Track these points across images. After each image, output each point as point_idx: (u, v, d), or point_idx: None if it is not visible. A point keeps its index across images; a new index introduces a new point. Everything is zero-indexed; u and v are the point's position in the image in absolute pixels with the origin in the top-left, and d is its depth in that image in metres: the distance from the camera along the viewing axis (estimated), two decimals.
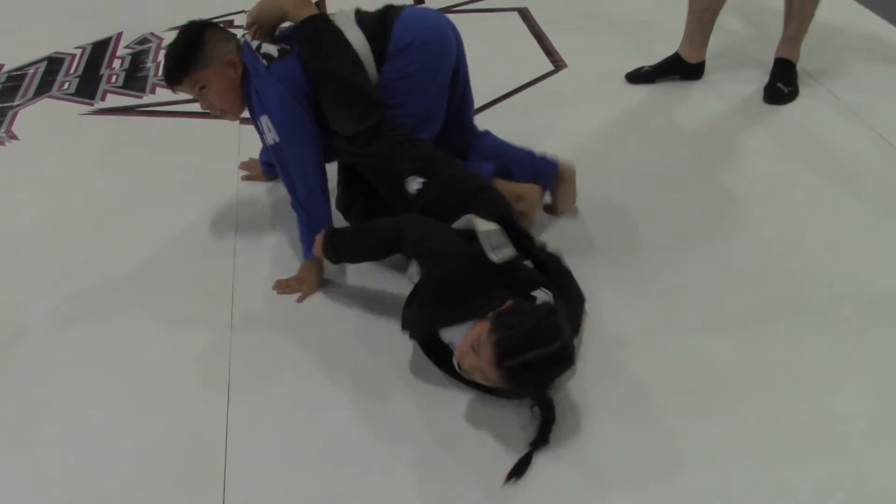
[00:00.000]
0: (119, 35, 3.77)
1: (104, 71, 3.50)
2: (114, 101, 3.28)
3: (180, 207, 2.64)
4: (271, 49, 2.19)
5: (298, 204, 2.22)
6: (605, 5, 3.68)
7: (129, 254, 2.46)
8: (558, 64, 3.26)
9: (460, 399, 1.89)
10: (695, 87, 3.06)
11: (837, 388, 1.87)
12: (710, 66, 3.10)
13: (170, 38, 3.62)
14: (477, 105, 2.98)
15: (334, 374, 1.99)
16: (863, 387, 1.87)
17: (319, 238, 2.13)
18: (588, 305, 2.08)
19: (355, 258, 2.20)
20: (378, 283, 2.26)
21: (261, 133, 2.22)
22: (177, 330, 2.17)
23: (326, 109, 2.18)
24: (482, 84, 3.07)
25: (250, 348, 2.09)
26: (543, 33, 3.48)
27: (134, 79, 3.42)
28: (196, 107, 3.08)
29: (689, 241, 2.34)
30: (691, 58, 3.08)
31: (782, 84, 2.93)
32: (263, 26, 2.23)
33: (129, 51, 3.64)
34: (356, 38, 2.19)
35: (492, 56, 3.32)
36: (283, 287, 2.28)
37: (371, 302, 2.20)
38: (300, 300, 2.24)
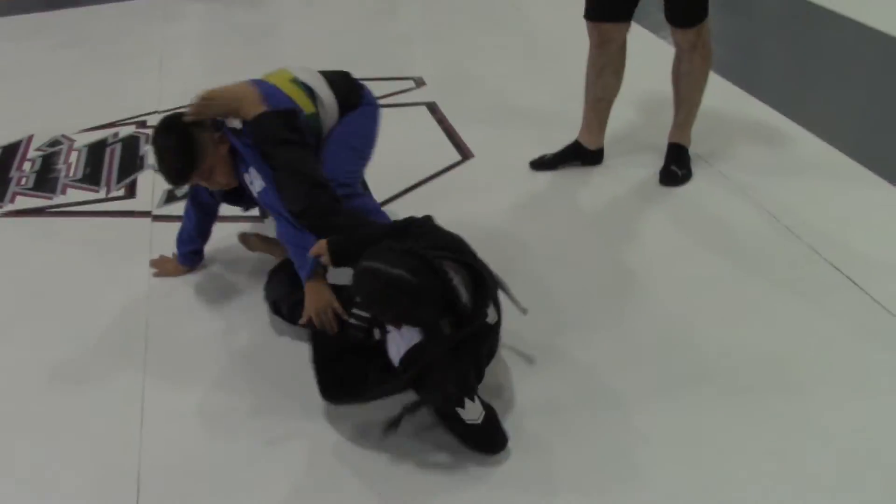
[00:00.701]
0: (30, 138, 3.77)
1: (13, 173, 3.48)
2: (23, 202, 3.26)
3: (91, 305, 2.62)
4: (235, 123, 2.35)
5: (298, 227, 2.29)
6: (509, 99, 3.84)
7: (33, 357, 2.42)
8: (466, 154, 3.38)
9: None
10: (595, 171, 3.20)
11: (739, 456, 1.94)
12: (608, 152, 3.26)
13: (82, 139, 3.67)
14: (388, 195, 3.10)
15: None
16: (762, 449, 1.95)
17: (322, 242, 2.16)
18: (491, 385, 2.14)
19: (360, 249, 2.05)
20: None
21: (244, 189, 2.42)
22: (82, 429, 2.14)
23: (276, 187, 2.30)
24: (392, 174, 3.20)
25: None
26: (451, 126, 3.61)
27: (45, 180, 3.41)
28: (108, 206, 3.10)
29: (593, 318, 2.42)
30: (590, 144, 3.23)
31: (676, 167, 3.10)
32: (207, 113, 2.34)
33: (40, 153, 3.64)
34: (321, 87, 2.50)
35: (403, 147, 3.43)
36: (316, 319, 2.23)
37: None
38: (335, 322, 2.22)
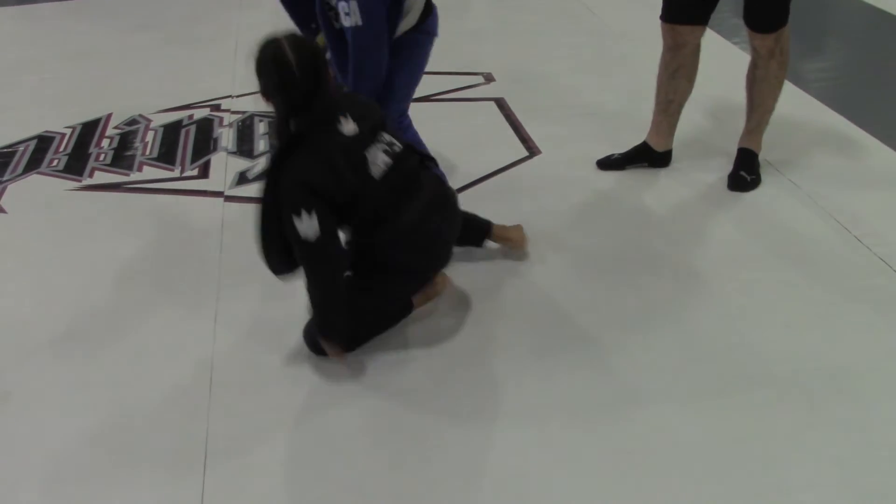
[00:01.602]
0: (109, 116, 3.89)
1: (93, 149, 3.60)
2: (101, 178, 3.37)
3: (163, 282, 2.71)
4: None
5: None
6: (578, 97, 3.85)
7: (110, 326, 2.51)
8: (533, 151, 3.40)
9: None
10: (662, 174, 3.20)
11: (796, 461, 1.94)
12: (676, 155, 3.25)
13: (158, 120, 3.77)
14: (456, 186, 3.12)
15: None
16: (820, 459, 1.94)
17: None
18: (559, 379, 2.17)
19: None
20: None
21: (330, 18, 2.54)
22: (156, 399, 2.22)
23: None
24: (461, 167, 3.24)
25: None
26: (519, 122, 3.63)
27: (122, 157, 3.52)
28: (181, 185, 3.19)
29: (655, 318, 2.43)
30: (659, 146, 3.23)
31: (745, 172, 3.08)
32: None
33: (118, 131, 3.76)
34: None
35: (470, 142, 3.48)
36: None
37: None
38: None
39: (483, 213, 2.89)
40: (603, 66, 4.20)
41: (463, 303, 2.53)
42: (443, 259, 2.40)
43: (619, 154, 3.26)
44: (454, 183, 3.14)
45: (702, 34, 3.01)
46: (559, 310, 2.48)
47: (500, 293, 2.57)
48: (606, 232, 2.86)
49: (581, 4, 5.10)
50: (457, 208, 2.41)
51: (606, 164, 3.26)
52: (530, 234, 2.77)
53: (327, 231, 2.08)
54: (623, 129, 3.43)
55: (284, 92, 2.06)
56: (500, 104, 3.81)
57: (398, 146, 2.26)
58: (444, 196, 2.37)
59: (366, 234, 2.22)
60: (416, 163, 2.33)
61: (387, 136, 2.24)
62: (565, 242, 2.80)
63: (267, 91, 2.10)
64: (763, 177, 3.10)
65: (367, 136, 2.18)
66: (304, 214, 2.04)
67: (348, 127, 2.12)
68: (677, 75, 3.08)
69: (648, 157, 3.24)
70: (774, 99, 3.06)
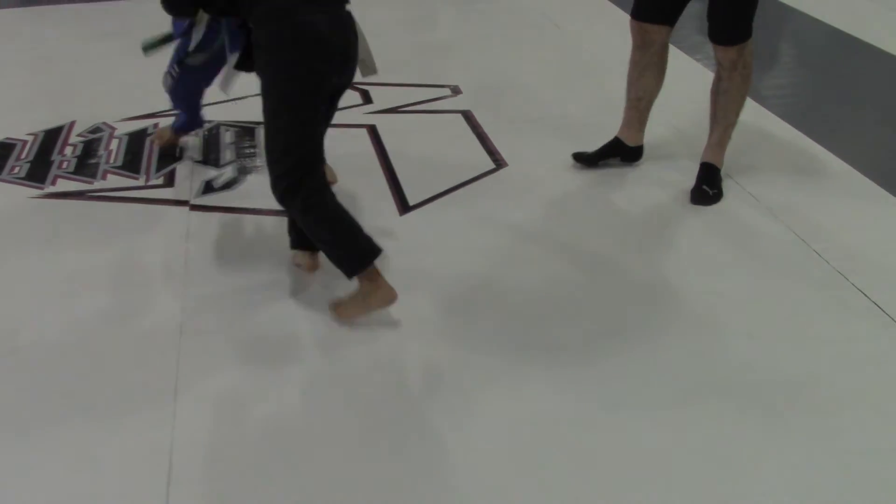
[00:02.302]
0: (72, 124, 3.85)
1: (56, 157, 3.56)
2: (64, 185, 3.34)
3: (127, 291, 2.69)
4: None
5: None
6: (544, 109, 3.88)
7: (70, 335, 2.48)
8: (499, 163, 3.42)
9: None
10: (627, 183, 3.24)
11: (758, 471, 1.97)
12: (641, 167, 3.31)
13: (123, 128, 3.73)
14: (422, 198, 3.14)
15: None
16: (781, 469, 1.98)
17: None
18: (524, 387, 2.19)
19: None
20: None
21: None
22: (117, 412, 2.20)
23: None
24: (427, 179, 3.26)
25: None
26: (486, 134, 3.66)
27: (85, 165, 3.49)
28: (146, 193, 3.16)
29: (618, 326, 2.46)
30: (630, 141, 3.35)
31: (707, 186, 3.13)
32: None
33: (82, 139, 3.72)
34: None
35: (437, 154, 3.50)
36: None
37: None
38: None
39: (448, 224, 2.93)
40: (568, 79, 4.25)
41: (430, 310, 2.54)
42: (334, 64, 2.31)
43: (593, 150, 3.36)
44: (423, 193, 3.17)
45: (668, 34, 3.12)
46: (524, 318, 2.50)
47: (468, 302, 2.59)
48: (570, 241, 2.89)
49: (547, 19, 5.16)
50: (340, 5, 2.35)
51: (581, 157, 3.37)
52: (496, 247, 2.79)
53: None
54: (589, 140, 3.46)
55: None
56: (467, 116, 3.84)
57: None
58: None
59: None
60: None
61: None
62: (529, 253, 2.83)
63: None
64: (724, 190, 3.15)
65: None
66: None
67: None
68: (646, 73, 3.20)
69: (621, 151, 3.36)
70: (737, 112, 3.13)
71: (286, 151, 2.32)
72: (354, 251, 2.42)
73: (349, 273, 2.43)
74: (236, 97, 3.40)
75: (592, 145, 3.38)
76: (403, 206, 3.12)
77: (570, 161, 3.37)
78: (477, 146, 3.57)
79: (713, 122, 3.16)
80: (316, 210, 2.39)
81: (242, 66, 2.43)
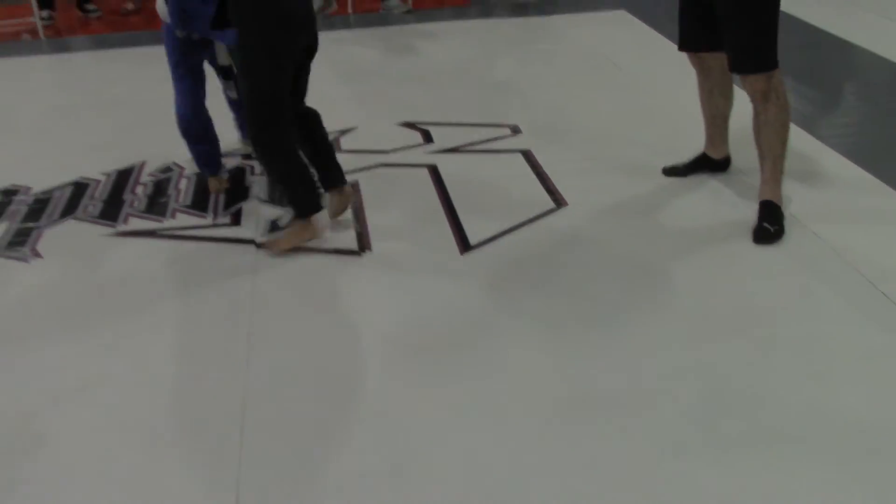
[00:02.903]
0: (143, 164, 3.97)
1: (127, 196, 3.68)
2: (135, 224, 3.44)
3: (194, 328, 2.76)
4: None
5: None
6: (604, 150, 3.89)
7: (141, 370, 2.55)
8: (559, 202, 3.44)
9: None
10: (690, 220, 3.22)
11: None
12: (701, 205, 3.33)
13: (191, 167, 3.83)
14: (483, 237, 3.17)
15: None
16: None
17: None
18: (590, 440, 2.18)
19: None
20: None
21: None
22: (184, 446, 2.25)
23: None
24: (487, 219, 3.28)
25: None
26: (545, 174, 3.68)
27: (155, 204, 3.60)
28: (214, 232, 3.25)
29: (679, 368, 2.44)
30: (715, 154, 3.52)
31: (768, 224, 3.10)
32: None
33: (152, 178, 3.84)
34: None
35: (497, 194, 3.53)
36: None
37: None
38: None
39: (509, 264, 2.95)
40: (628, 118, 4.25)
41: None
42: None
43: (683, 164, 3.55)
44: (482, 233, 3.20)
45: (723, 56, 3.12)
46: (580, 367, 2.50)
47: (530, 338, 2.60)
48: (630, 279, 2.89)
49: (607, 59, 5.18)
50: None
51: (671, 171, 3.55)
52: (557, 284, 2.80)
53: None
54: (649, 180, 3.47)
55: None
56: (527, 156, 3.87)
57: None
58: None
59: None
60: None
61: None
62: (591, 290, 2.83)
63: None
64: (787, 228, 3.12)
65: None
66: None
67: None
68: (713, 94, 3.35)
69: (708, 165, 3.53)
70: (782, 144, 3.11)
71: (262, 101, 2.92)
72: (311, 196, 3.09)
73: (302, 213, 3.09)
74: None
75: (652, 184, 3.40)
76: (465, 245, 3.15)
77: (629, 200, 3.38)
78: (537, 185, 3.60)
79: (761, 159, 3.16)
80: (284, 151, 3.02)
81: (218, 24, 3.04)
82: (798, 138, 3.72)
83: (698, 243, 3.11)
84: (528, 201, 3.45)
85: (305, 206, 3.10)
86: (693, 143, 3.61)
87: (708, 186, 3.46)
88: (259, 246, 3.17)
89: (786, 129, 3.10)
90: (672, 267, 2.98)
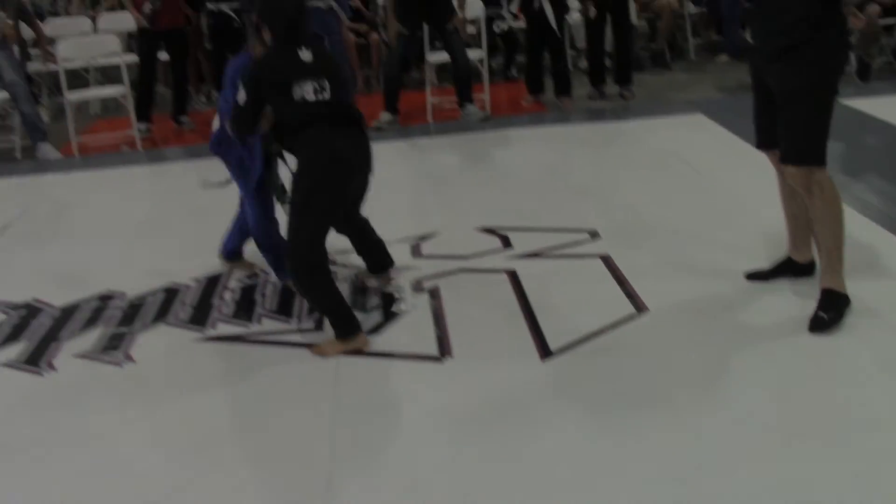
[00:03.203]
0: (231, 270, 4.11)
1: (216, 301, 3.80)
2: (223, 329, 3.55)
3: (276, 434, 2.80)
4: None
5: None
6: (684, 255, 3.87)
7: (228, 476, 2.60)
8: (640, 307, 3.42)
9: None
10: (772, 310, 3.17)
11: None
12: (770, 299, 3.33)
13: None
14: (563, 343, 3.16)
15: None
16: None
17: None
18: None
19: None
20: None
21: None
22: None
23: None
24: (566, 325, 3.28)
25: None
26: (625, 278, 3.67)
27: (242, 309, 3.70)
28: (298, 337, 3.32)
29: (774, 484, 2.37)
30: (799, 258, 3.43)
31: (823, 313, 3.09)
32: None
33: (240, 284, 3.96)
34: None
35: (576, 299, 3.53)
36: None
37: None
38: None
39: (590, 371, 2.94)
40: (708, 221, 4.24)
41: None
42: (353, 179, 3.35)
43: (768, 268, 3.49)
44: (562, 339, 3.19)
45: None
46: (661, 482, 2.44)
47: (613, 448, 2.56)
48: (713, 390, 2.83)
49: (684, 162, 5.20)
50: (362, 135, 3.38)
51: (754, 276, 3.49)
52: (636, 393, 2.77)
53: (251, 102, 3.22)
54: (730, 283, 3.44)
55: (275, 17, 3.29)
56: (606, 261, 3.87)
57: (327, 94, 3.26)
58: (349, 123, 3.33)
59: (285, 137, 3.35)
60: (338, 108, 3.32)
61: (325, 84, 3.25)
62: (671, 400, 2.78)
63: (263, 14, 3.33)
64: (853, 319, 3.07)
65: (309, 72, 3.23)
66: (241, 87, 3.23)
67: (305, 55, 3.24)
68: (794, 194, 3.24)
69: (792, 269, 3.45)
70: (834, 236, 3.10)
71: (307, 240, 3.20)
72: (348, 320, 3.26)
73: (341, 335, 3.24)
74: None
75: (734, 288, 3.38)
76: (545, 352, 3.15)
77: (711, 304, 3.35)
78: (617, 290, 3.59)
79: (818, 248, 3.17)
80: (321, 285, 3.24)
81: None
82: (882, 239, 3.67)
83: (782, 349, 3.04)
84: (608, 306, 3.45)
85: (344, 329, 3.25)
86: (776, 245, 3.58)
87: (792, 290, 3.40)
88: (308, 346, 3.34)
89: (836, 222, 3.08)
90: (755, 374, 2.91)
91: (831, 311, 3.09)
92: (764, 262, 3.54)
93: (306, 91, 3.22)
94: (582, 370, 3.02)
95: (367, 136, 3.40)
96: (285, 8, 3.28)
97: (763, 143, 3.31)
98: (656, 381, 2.91)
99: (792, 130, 3.04)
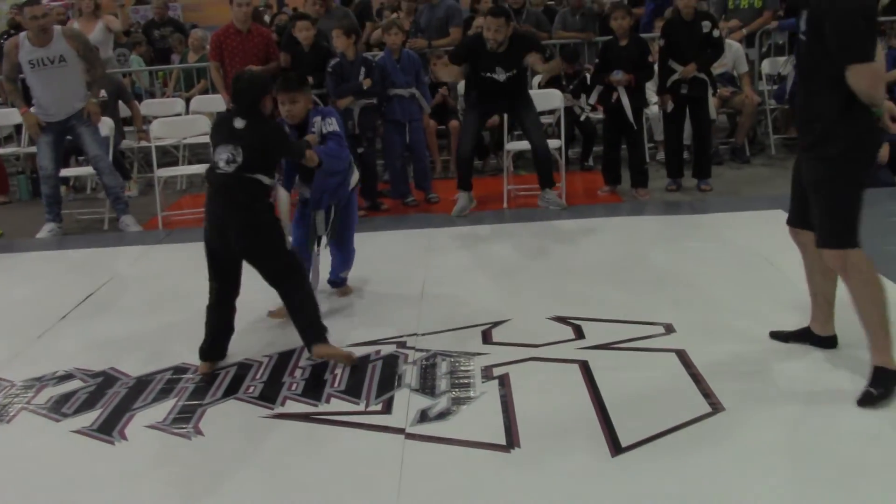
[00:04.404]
0: (302, 348, 4.13)
1: (286, 378, 3.82)
2: (292, 407, 3.56)
3: None
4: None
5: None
6: (762, 352, 3.75)
7: None
8: (716, 406, 3.31)
9: None
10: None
11: None
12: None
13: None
14: (635, 440, 3.08)
15: None
16: None
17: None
18: None
19: None
20: None
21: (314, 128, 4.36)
22: None
23: None
24: (639, 421, 3.20)
25: None
26: (701, 375, 3.57)
27: (312, 388, 3.71)
28: (365, 419, 3.31)
29: None
30: (819, 332, 3.63)
31: (872, 388, 3.20)
32: None
33: (310, 363, 3.98)
34: None
35: (649, 394, 3.45)
36: None
37: None
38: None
39: (664, 472, 2.85)
40: (786, 319, 4.11)
41: None
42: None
43: (791, 331, 3.74)
44: (634, 436, 3.10)
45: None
46: None
47: None
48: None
49: (760, 257, 5.09)
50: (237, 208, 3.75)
51: (777, 336, 3.77)
52: (710, 496, 2.67)
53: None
54: (808, 387, 3.31)
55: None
56: (681, 356, 3.78)
57: (238, 163, 3.69)
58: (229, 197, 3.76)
59: None
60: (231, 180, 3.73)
61: (238, 154, 3.69)
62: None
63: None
64: None
65: (230, 139, 3.73)
66: None
67: (238, 123, 3.75)
68: (813, 273, 3.51)
69: (811, 339, 3.66)
70: (877, 316, 3.21)
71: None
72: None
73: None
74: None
75: (812, 391, 3.33)
76: (616, 448, 3.06)
77: (789, 406, 3.26)
78: (692, 387, 3.49)
79: (863, 327, 3.26)
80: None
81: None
82: None
83: (870, 458, 2.90)
84: (683, 404, 3.35)
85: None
86: (857, 346, 3.46)
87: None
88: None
89: (877, 301, 3.21)
90: (840, 485, 2.78)
91: (880, 387, 3.19)
92: (844, 363, 3.46)
93: (219, 156, 3.72)
94: (654, 469, 2.92)
95: (246, 211, 3.74)
96: (238, 79, 3.87)
97: (790, 221, 3.59)
98: (731, 485, 2.79)
99: (823, 217, 3.26)
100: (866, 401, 3.18)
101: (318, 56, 7.02)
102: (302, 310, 3.87)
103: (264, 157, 3.78)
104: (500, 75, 6.35)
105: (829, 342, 3.61)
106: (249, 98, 3.78)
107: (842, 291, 3.39)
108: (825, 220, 3.25)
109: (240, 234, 3.73)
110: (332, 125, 4.38)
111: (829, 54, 3.08)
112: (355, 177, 4.69)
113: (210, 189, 3.80)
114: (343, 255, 4.82)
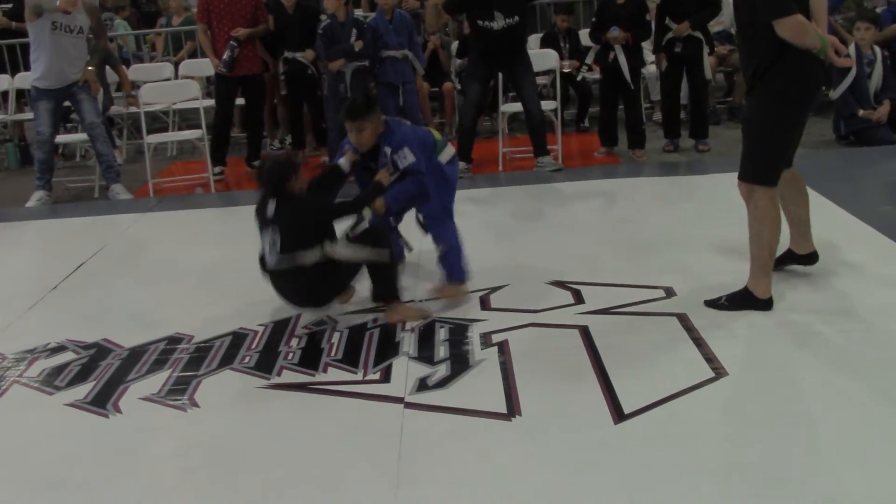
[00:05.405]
0: (298, 316, 4.08)
1: (282, 348, 3.77)
2: (288, 377, 3.50)
3: (336, 484, 2.74)
4: None
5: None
6: (767, 317, 3.70)
7: None
8: (718, 371, 3.27)
9: None
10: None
11: None
12: None
13: (344, 321, 3.93)
14: (638, 406, 3.04)
15: None
16: None
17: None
18: None
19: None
20: None
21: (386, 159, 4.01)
22: None
23: None
24: (640, 386, 3.15)
25: None
26: (703, 339, 3.52)
27: (308, 357, 3.66)
28: (363, 388, 3.26)
29: None
30: (799, 250, 3.98)
31: (727, 301, 3.70)
32: None
33: (307, 331, 3.93)
34: None
35: (650, 359, 3.40)
36: None
37: None
38: None
39: (667, 438, 2.81)
40: (791, 281, 4.06)
41: None
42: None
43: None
44: (635, 402, 3.06)
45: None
46: None
47: None
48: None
49: None
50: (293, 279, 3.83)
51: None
52: (715, 465, 2.62)
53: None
54: (814, 349, 3.26)
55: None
56: (683, 320, 3.73)
57: (279, 246, 3.76)
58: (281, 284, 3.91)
59: None
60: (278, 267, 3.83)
61: (277, 237, 3.76)
62: (753, 472, 2.63)
63: None
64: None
65: (271, 223, 3.80)
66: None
67: (270, 208, 3.80)
68: (786, 200, 3.81)
69: (792, 259, 4.00)
70: (758, 250, 3.64)
71: None
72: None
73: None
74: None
75: (818, 352, 3.23)
76: (618, 414, 3.02)
77: (795, 370, 3.18)
78: (694, 352, 3.44)
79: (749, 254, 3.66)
80: None
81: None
82: None
83: (877, 420, 2.87)
84: (686, 368, 3.30)
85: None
86: (859, 302, 3.42)
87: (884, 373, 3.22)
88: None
89: (760, 239, 3.62)
90: (844, 448, 2.74)
91: (734, 303, 3.68)
92: (848, 321, 3.45)
93: (263, 242, 3.86)
94: (658, 438, 2.87)
95: (305, 278, 3.79)
96: (261, 167, 4.05)
97: None
98: (735, 452, 2.76)
99: (743, 151, 3.68)
100: (713, 304, 3.73)
101: (303, 17, 6.89)
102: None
103: (303, 233, 3.76)
104: (498, 21, 6.14)
105: (809, 259, 3.98)
106: (274, 182, 3.79)
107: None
108: (745, 155, 3.65)
109: (300, 303, 3.99)
110: (407, 157, 3.95)
111: (756, 10, 3.38)
112: (448, 151, 4.23)
113: (264, 272, 3.95)
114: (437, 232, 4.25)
